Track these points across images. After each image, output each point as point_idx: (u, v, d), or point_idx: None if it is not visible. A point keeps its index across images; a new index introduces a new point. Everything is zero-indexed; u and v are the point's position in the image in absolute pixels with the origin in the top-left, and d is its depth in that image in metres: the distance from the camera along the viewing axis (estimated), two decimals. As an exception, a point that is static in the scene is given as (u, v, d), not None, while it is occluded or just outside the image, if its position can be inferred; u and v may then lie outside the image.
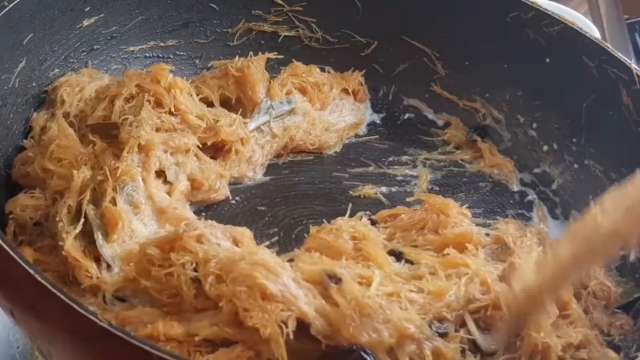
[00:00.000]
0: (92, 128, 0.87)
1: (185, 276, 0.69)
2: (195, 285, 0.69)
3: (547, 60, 1.04)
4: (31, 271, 0.58)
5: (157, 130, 0.89)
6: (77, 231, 0.76)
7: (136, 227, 0.81)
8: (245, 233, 0.76)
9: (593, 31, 1.41)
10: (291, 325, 0.65)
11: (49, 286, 0.58)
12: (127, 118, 0.86)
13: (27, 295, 0.60)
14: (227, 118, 0.95)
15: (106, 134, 0.86)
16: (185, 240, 0.70)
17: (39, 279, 0.58)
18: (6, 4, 0.85)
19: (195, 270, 0.69)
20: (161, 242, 0.72)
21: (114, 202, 0.79)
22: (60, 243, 0.76)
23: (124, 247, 0.78)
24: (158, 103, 0.91)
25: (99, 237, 0.77)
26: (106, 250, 0.77)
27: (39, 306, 0.60)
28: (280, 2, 1.12)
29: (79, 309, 0.56)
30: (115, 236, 0.78)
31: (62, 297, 0.57)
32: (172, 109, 0.91)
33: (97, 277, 0.74)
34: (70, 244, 0.75)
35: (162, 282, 0.71)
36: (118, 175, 0.81)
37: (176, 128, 0.91)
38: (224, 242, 0.73)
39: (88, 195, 0.79)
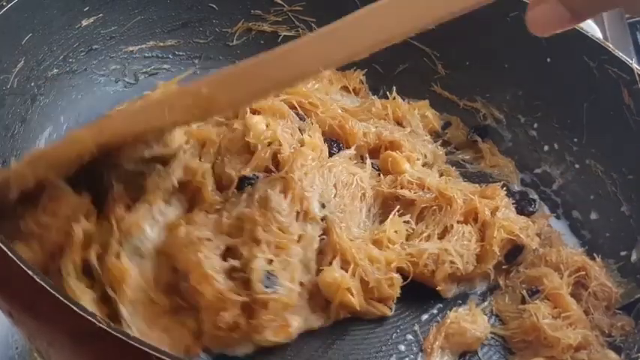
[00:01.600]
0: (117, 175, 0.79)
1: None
2: None
3: (548, 60, 1.03)
4: (30, 272, 0.58)
5: None
6: (92, 297, 0.70)
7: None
8: None
9: (595, 31, 1.41)
10: None
11: (47, 287, 0.57)
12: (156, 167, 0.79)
13: (26, 296, 0.60)
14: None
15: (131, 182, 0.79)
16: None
17: (38, 280, 0.58)
18: (4, 3, 0.84)
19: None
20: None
21: (117, 256, 0.72)
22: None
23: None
24: None
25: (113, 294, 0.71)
26: (123, 310, 0.70)
27: (37, 307, 0.59)
28: (280, 2, 1.11)
29: (77, 310, 0.56)
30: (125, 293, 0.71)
31: (61, 298, 0.57)
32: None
33: None
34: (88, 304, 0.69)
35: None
36: (124, 227, 0.74)
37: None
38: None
39: (93, 253, 0.72)
